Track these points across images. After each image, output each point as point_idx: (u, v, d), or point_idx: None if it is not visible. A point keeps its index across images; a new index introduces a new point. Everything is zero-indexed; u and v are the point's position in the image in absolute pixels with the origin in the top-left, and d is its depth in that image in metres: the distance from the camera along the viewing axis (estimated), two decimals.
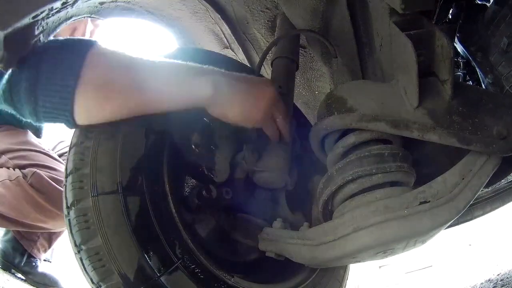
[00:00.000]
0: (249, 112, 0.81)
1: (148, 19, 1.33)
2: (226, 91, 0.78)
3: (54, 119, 0.67)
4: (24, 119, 0.69)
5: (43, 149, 1.84)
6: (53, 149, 2.02)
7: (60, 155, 1.96)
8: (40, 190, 1.67)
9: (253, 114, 0.82)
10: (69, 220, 0.69)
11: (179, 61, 0.77)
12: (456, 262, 2.46)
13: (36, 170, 1.71)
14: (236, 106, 0.79)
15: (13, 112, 0.69)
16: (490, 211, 1.33)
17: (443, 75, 0.70)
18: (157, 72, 0.72)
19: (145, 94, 0.70)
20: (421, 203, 0.67)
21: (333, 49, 1.01)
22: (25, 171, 1.71)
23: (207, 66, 0.80)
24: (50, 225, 1.79)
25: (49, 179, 1.71)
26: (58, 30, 0.73)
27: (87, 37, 1.80)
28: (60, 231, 2.04)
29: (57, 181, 1.73)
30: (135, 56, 0.71)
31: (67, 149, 2.05)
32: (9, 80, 0.65)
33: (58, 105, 0.65)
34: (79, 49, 0.66)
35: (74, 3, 0.68)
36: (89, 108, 0.67)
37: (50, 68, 0.64)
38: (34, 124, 0.71)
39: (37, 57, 0.64)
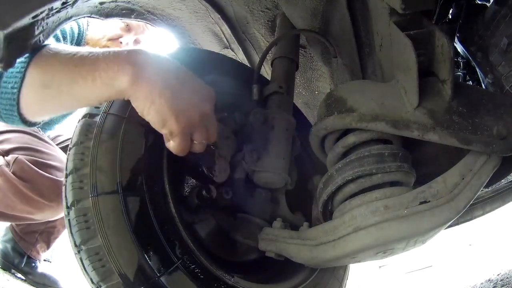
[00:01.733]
0: (167, 116, 0.69)
1: (148, 19, 1.33)
2: (148, 82, 0.67)
3: (12, 121, 0.73)
4: None
5: (31, 131, 1.78)
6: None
7: (62, 148, 1.94)
8: (23, 178, 1.62)
9: (170, 122, 0.69)
10: (69, 220, 0.69)
11: (109, 50, 0.71)
12: (456, 262, 2.46)
13: (18, 156, 1.65)
14: (154, 103, 0.67)
15: None
16: (490, 211, 1.33)
17: (443, 75, 0.70)
18: (79, 68, 0.68)
19: (72, 93, 0.69)
20: (421, 203, 0.67)
21: (333, 49, 1.01)
22: (8, 158, 1.65)
23: (140, 49, 0.72)
24: (38, 216, 1.73)
25: (31, 164, 1.64)
26: (57, 30, 0.73)
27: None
28: (59, 232, 2.03)
29: (42, 165, 1.67)
30: (70, 53, 0.70)
31: (64, 141, 2.04)
32: None
33: (10, 111, 0.71)
34: (27, 57, 0.69)
35: (74, 3, 0.68)
36: (34, 109, 0.73)
37: (7, 75, 0.70)
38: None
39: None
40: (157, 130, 0.71)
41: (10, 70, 0.68)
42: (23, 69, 0.68)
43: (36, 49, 0.70)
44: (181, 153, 0.74)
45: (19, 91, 0.69)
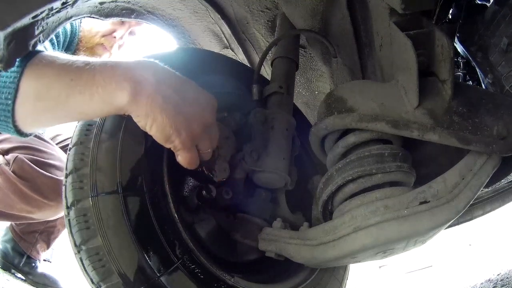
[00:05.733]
0: (169, 133, 0.68)
1: (148, 19, 1.33)
2: (147, 99, 0.66)
3: (7, 131, 0.70)
4: None
5: None
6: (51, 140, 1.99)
7: (61, 147, 1.93)
8: (23, 177, 1.62)
9: (172, 138, 0.69)
10: (69, 220, 0.69)
11: (105, 62, 0.68)
12: (456, 262, 2.46)
13: (17, 155, 1.65)
14: (156, 120, 0.67)
15: None
16: (490, 211, 1.33)
17: (443, 75, 0.70)
18: (76, 82, 0.66)
19: (68, 107, 0.66)
20: (421, 203, 0.67)
21: (333, 49, 1.01)
22: (7, 157, 1.66)
23: (140, 62, 0.70)
24: (38, 215, 1.73)
25: (31, 163, 1.64)
26: (57, 30, 0.73)
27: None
28: (59, 231, 2.03)
29: (42, 164, 1.67)
30: (65, 63, 0.67)
31: (64, 141, 2.03)
32: None
33: (5, 122, 0.68)
34: (20, 66, 0.67)
35: (74, 3, 0.68)
36: (28, 122, 0.69)
37: (0, 85, 0.67)
38: None
39: None
40: (162, 145, 0.71)
41: (3, 79, 0.66)
42: (16, 79, 0.65)
43: (28, 57, 0.67)
44: (191, 166, 0.74)
45: (13, 103, 0.66)
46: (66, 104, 0.66)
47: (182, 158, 0.73)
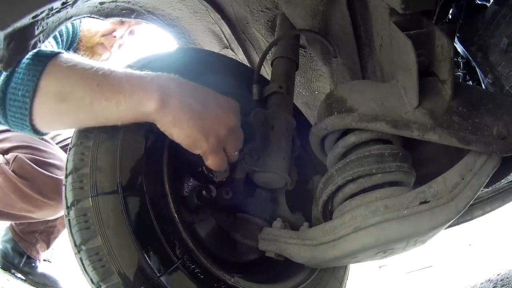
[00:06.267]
0: (197, 138, 0.71)
1: (148, 19, 1.33)
2: (174, 108, 0.69)
3: (21, 129, 0.70)
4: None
5: None
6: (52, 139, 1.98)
7: (61, 147, 1.93)
8: (23, 177, 1.62)
9: (201, 143, 0.72)
10: (69, 220, 0.69)
11: (131, 72, 0.71)
12: (456, 262, 2.46)
13: (17, 154, 1.65)
14: (183, 128, 0.70)
15: None
16: (490, 211, 1.33)
17: (443, 75, 0.70)
18: (102, 88, 0.67)
19: (92, 111, 0.68)
20: (421, 203, 0.67)
21: (333, 49, 1.01)
22: (7, 156, 1.66)
23: (163, 75, 0.73)
24: (38, 215, 1.73)
25: (31, 163, 1.64)
26: (58, 30, 0.73)
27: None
28: (58, 231, 2.03)
29: (41, 163, 1.67)
30: (90, 68, 0.68)
31: (64, 140, 2.02)
32: None
33: (21, 120, 0.68)
34: (39, 65, 0.67)
35: (74, 3, 0.68)
36: (47, 121, 0.70)
37: (16, 81, 0.67)
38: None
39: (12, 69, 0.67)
40: (191, 151, 0.74)
41: (19, 76, 0.66)
42: (35, 78, 0.65)
43: (49, 56, 0.67)
44: (221, 168, 0.78)
45: (32, 101, 0.65)
46: (90, 109, 0.67)
47: (211, 162, 0.76)
